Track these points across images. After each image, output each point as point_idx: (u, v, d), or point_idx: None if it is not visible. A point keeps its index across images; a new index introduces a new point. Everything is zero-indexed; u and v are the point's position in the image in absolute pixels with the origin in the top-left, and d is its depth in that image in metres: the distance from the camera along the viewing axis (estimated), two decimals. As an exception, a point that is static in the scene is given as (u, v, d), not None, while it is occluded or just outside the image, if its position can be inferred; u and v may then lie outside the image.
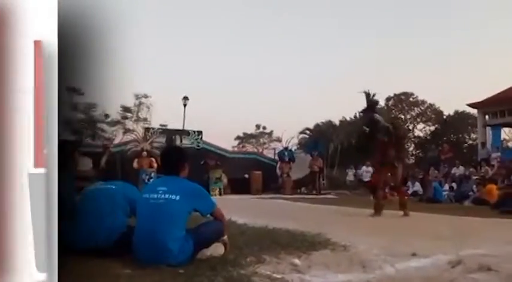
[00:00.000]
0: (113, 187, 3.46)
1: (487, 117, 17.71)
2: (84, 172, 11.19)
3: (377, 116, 7.15)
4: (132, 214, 3.30)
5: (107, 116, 30.17)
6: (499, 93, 17.43)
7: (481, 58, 46.27)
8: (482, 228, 5.46)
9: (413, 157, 32.92)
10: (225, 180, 15.56)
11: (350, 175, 18.35)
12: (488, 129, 17.63)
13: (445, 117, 32.37)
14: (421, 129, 39.65)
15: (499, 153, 15.02)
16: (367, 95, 7.10)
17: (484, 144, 16.94)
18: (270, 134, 37.77)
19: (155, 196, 2.97)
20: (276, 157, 18.45)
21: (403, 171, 8.19)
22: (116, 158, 13.87)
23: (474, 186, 11.91)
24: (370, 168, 18.06)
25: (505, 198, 8.49)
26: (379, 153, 7.17)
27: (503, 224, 5.89)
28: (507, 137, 19.22)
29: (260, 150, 33.86)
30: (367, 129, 7.07)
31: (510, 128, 19.05)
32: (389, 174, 7.26)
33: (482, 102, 17.69)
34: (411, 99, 39.48)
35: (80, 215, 3.31)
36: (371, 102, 7.15)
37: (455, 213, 7.38)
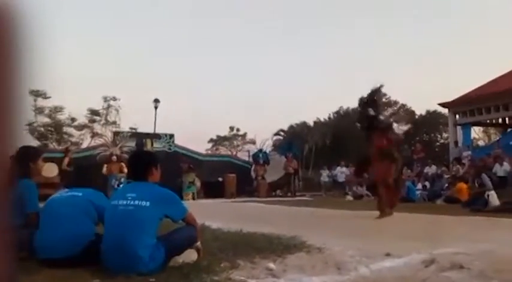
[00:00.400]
0: (79, 194, 3.32)
1: (457, 116, 18.21)
2: (49, 179, 10.89)
3: (371, 110, 6.91)
4: (100, 221, 3.18)
5: (73, 119, 29.60)
6: (468, 93, 17.95)
7: (451, 58, 47.73)
8: (453, 227, 5.56)
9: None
10: (198, 184, 15.42)
11: (324, 176, 18.50)
12: (459, 129, 18.14)
13: (417, 117, 33.15)
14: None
15: (469, 152, 15.48)
16: (375, 91, 6.89)
17: (456, 143, 17.41)
18: (244, 136, 37.75)
19: (124, 203, 2.86)
20: (251, 159, 18.43)
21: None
22: (83, 163, 13.53)
23: (446, 185, 12.21)
24: (345, 169, 18.33)
25: (476, 197, 8.72)
26: (377, 146, 6.75)
27: (474, 222, 6.02)
28: (477, 136, 19.80)
29: (234, 152, 33.82)
30: (359, 124, 7.09)
31: (480, 127, 19.62)
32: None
33: (452, 101, 18.17)
34: (384, 99, 40.34)
35: (45, 223, 3.17)
36: (372, 98, 6.92)
37: (428, 212, 7.52)
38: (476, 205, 8.14)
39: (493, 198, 8.36)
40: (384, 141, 6.72)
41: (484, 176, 9.10)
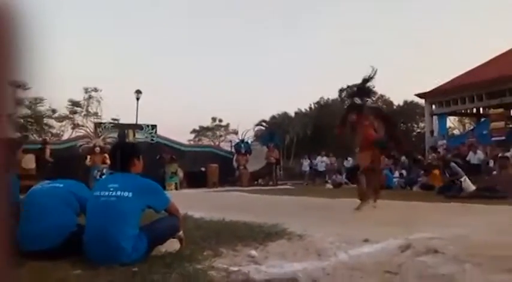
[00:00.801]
0: (60, 185, 3.30)
1: (433, 106, 18.59)
2: (27, 170, 10.72)
3: (358, 99, 6.42)
4: (81, 212, 3.18)
5: (54, 111, 29.02)
6: (444, 84, 18.33)
7: (428, 50, 48.44)
8: (429, 213, 5.73)
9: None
10: (181, 174, 15.40)
11: (305, 165, 18.71)
12: (435, 118, 18.53)
13: (395, 107, 33.66)
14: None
15: (444, 141, 15.87)
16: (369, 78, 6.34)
17: (432, 132, 17.81)
18: (227, 126, 37.67)
19: (106, 193, 2.87)
20: (233, 149, 18.46)
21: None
22: (64, 155, 13.34)
23: (422, 172, 12.52)
24: (325, 158, 18.57)
25: (449, 184, 8.97)
26: (368, 133, 6.30)
27: (448, 208, 6.22)
28: (452, 126, 20.26)
29: (217, 143, 33.75)
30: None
31: (455, 117, 20.07)
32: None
33: (429, 92, 18.52)
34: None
35: (26, 215, 3.15)
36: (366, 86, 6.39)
37: (404, 199, 7.71)
38: (451, 191, 8.36)
39: (467, 184, 8.60)
40: (373, 128, 6.40)
41: (452, 165, 9.30)
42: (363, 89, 6.45)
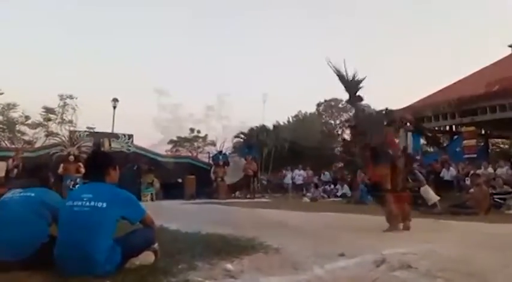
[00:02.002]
0: (32, 194, 3.21)
1: (407, 123, 18.96)
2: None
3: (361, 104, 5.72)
4: (53, 222, 3.09)
5: (27, 117, 28.26)
6: (419, 101, 18.81)
7: (401, 67, 49.70)
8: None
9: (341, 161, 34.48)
10: (157, 185, 15.20)
11: (288, 178, 18.73)
12: (409, 135, 18.89)
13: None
14: (349, 134, 41.66)
15: (418, 157, 16.19)
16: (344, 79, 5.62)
17: (406, 148, 18.15)
18: (205, 138, 37.50)
19: (80, 203, 2.81)
20: (211, 161, 18.34)
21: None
22: (36, 163, 12.97)
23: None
24: (302, 172, 18.67)
25: (414, 198, 9.14)
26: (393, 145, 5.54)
27: (421, 223, 6.31)
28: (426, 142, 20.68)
29: (195, 154, 33.51)
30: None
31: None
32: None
33: (403, 109, 18.93)
34: (340, 105, 41.37)
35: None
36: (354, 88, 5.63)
37: (380, 214, 7.79)
38: (417, 204, 8.49)
39: (427, 193, 8.82)
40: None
41: (416, 172, 9.71)
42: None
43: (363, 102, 5.67)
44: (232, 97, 29.77)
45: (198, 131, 37.84)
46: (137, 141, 16.86)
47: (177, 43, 52.06)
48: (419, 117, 17.62)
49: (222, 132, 18.26)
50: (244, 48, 52.33)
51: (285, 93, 47.40)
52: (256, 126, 30.41)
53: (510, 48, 23.78)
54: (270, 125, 30.30)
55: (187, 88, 50.43)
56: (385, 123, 5.68)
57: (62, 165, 12.67)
